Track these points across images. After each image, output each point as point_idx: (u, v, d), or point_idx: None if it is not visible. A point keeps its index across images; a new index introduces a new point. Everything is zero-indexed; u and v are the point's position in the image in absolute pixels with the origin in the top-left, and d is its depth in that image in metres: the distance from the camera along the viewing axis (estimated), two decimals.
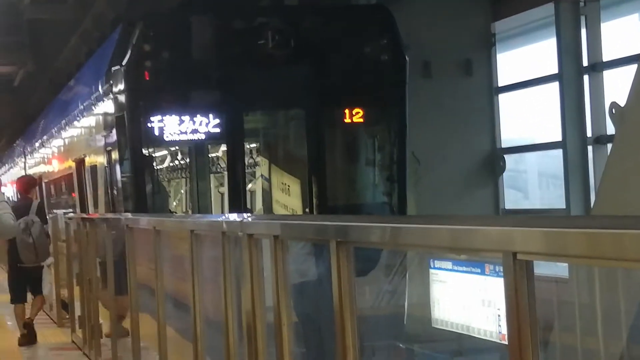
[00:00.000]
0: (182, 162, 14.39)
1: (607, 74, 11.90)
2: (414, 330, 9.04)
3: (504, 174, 13.74)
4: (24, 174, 20.46)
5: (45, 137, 19.79)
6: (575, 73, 11.97)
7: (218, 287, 5.47)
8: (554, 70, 12.21)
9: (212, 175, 13.79)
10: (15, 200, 15.58)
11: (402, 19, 11.67)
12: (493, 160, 13.72)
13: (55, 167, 18.18)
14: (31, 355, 11.71)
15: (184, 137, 10.90)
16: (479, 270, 7.06)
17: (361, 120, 11.31)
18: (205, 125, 10.87)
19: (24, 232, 12.00)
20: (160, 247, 7.09)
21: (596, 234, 2.28)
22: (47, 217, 13.10)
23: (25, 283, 12.71)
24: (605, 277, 6.10)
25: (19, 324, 12.27)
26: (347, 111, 11.21)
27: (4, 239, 12.71)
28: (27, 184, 13.12)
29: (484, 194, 13.64)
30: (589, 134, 11.90)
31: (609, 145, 10.32)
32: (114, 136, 11.41)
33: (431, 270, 7.81)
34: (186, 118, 10.81)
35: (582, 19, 11.94)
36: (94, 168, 13.12)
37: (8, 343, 12.25)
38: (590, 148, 11.91)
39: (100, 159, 12.48)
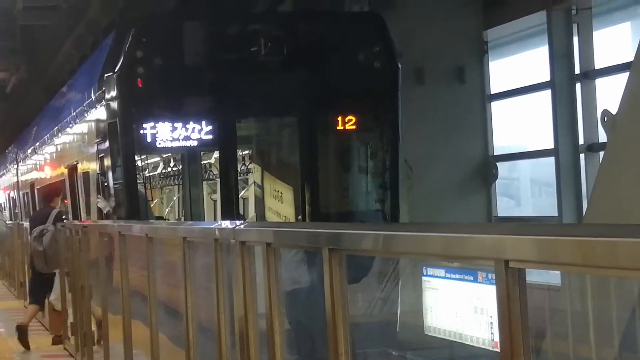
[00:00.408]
0: (174, 169, 14.38)
1: (599, 82, 11.92)
2: (406, 338, 9.04)
3: (496, 181, 13.74)
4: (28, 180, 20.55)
5: (38, 144, 19.77)
6: (568, 81, 11.98)
7: (210, 294, 5.47)
8: (547, 77, 12.23)
9: (204, 182, 13.78)
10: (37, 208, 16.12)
11: (395, 26, 11.68)
12: (486, 168, 13.72)
13: (48, 173, 18.16)
14: None
15: (176, 144, 10.88)
16: (471, 278, 7.06)
17: (354, 127, 11.31)
18: (198, 132, 10.86)
19: (37, 240, 12.19)
20: (152, 254, 7.08)
21: (588, 242, 2.28)
22: None
23: (42, 288, 13.24)
24: (597, 284, 6.10)
25: (26, 316, 12.75)
26: (340, 118, 11.21)
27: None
28: (50, 193, 13.33)
29: (476, 201, 13.64)
30: (581, 141, 11.91)
31: (601, 153, 10.32)
32: (106, 143, 11.40)
33: (424, 278, 7.81)
34: (179, 125, 10.80)
35: (575, 27, 11.96)
36: (86, 175, 13.11)
37: (0, 349, 12.23)
38: (582, 156, 11.92)
39: (93, 166, 12.46)
